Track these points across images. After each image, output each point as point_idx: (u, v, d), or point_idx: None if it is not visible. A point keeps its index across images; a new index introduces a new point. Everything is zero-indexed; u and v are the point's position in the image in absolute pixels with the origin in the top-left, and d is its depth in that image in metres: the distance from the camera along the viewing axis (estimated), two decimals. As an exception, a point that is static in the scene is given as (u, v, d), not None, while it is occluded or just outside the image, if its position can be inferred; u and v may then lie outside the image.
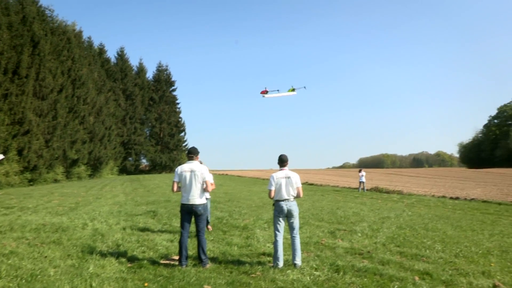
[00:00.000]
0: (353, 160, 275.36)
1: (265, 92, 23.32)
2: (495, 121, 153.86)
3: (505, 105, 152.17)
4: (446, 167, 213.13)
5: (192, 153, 7.42)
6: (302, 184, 41.90)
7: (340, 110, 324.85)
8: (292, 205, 7.20)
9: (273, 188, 7.27)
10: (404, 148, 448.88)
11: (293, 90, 25.12)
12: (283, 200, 7.20)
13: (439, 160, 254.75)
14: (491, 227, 12.75)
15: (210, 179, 7.49)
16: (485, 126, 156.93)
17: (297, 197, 7.30)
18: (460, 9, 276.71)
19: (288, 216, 7.24)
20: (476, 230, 11.97)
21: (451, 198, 25.27)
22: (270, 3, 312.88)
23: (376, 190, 30.79)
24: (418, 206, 19.68)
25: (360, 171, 31.03)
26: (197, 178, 7.17)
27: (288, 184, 7.19)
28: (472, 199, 24.40)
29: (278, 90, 29.10)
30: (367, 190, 30.65)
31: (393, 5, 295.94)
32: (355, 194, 27.20)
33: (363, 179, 30.15)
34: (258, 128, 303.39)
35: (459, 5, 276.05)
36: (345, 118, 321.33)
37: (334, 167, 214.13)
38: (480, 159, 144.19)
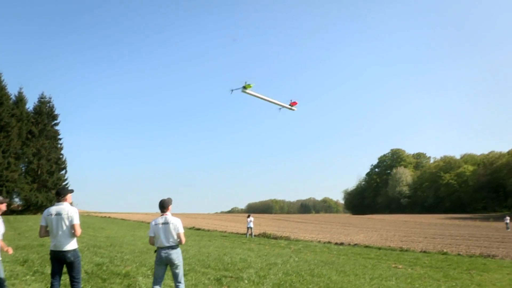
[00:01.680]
0: (242, 205, 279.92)
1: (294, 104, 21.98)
2: (376, 169, 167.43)
3: (384, 155, 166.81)
4: (332, 213, 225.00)
5: (60, 194, 6.73)
6: (189, 229, 41.27)
7: (229, 155, 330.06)
8: (172, 253, 6.92)
9: (152, 235, 7.01)
10: (293, 194, 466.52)
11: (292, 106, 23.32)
12: (162, 248, 6.93)
13: (325, 206, 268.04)
14: (372, 271, 13.46)
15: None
16: (368, 174, 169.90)
17: (179, 244, 7.08)
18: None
19: (169, 264, 6.97)
20: (359, 275, 12.54)
21: (336, 243, 26.40)
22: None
23: (264, 235, 31.14)
24: (304, 252, 20.25)
25: (248, 216, 31.35)
26: (64, 221, 6.52)
27: (167, 231, 6.93)
28: (356, 244, 25.74)
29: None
30: (255, 235, 30.86)
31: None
32: (243, 240, 27.28)
33: (251, 225, 30.39)
34: (145, 169, 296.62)
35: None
36: (234, 163, 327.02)
37: (222, 212, 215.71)
38: (363, 206, 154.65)
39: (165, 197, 7.29)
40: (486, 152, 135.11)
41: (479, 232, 40.77)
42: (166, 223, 6.98)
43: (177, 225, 7.03)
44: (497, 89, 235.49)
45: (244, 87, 18.57)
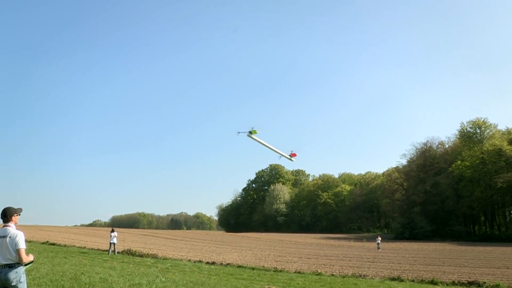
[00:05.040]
0: (105, 218, 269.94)
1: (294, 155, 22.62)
2: (254, 185, 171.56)
3: (262, 170, 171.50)
4: (205, 229, 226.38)
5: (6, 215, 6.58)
6: (42, 243, 38.78)
7: (93, 160, 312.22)
8: (8, 273, 6.35)
9: None
10: (162, 208, 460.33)
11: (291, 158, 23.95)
12: None
13: (198, 222, 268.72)
14: (244, 293, 13.76)
15: None
16: (244, 189, 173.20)
17: (19, 262, 6.52)
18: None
19: (7, 286, 6.42)
20: (230, 296, 12.74)
21: (207, 262, 26.65)
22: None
23: (129, 253, 30.55)
24: (173, 271, 20.08)
25: (112, 230, 30.47)
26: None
27: (3, 246, 6.39)
28: (228, 264, 26.18)
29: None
30: (118, 252, 30.13)
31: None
32: (104, 257, 26.44)
33: (115, 240, 29.65)
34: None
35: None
36: (98, 170, 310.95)
37: (82, 225, 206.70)
38: (238, 223, 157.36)
39: (12, 205, 6.75)
40: (363, 173, 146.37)
41: (353, 252, 43.88)
42: (3, 237, 6.44)
43: (16, 240, 6.46)
44: (373, 113, 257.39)
45: (250, 132, 19.30)
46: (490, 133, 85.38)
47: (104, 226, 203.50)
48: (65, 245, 37.39)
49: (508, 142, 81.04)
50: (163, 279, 16.34)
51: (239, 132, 19.98)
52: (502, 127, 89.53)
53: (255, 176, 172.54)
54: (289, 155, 22.36)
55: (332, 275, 22.13)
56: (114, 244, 29.62)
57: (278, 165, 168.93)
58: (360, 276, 22.18)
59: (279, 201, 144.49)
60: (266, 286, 15.90)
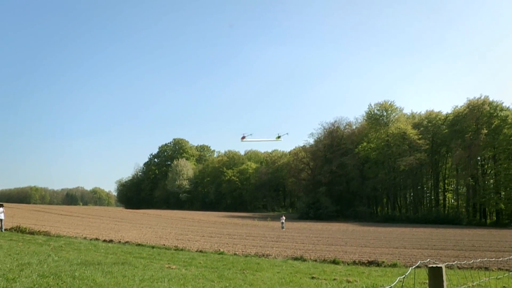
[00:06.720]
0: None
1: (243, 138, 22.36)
2: (156, 160, 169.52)
3: (165, 145, 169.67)
4: (103, 205, 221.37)
5: None
6: None
7: None
8: None
9: None
10: (57, 182, 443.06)
11: (279, 137, 23.67)
12: None
13: (95, 198, 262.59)
14: (143, 272, 13.76)
15: None
16: (146, 164, 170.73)
17: None
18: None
19: None
20: (127, 276, 12.69)
21: (104, 240, 26.30)
22: None
23: (18, 230, 29.29)
24: (67, 249, 19.64)
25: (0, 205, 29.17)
26: None
27: None
28: (127, 242, 25.99)
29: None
30: (6, 229, 28.90)
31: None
32: (-11, 235, 25.18)
33: (2, 216, 28.49)
34: None
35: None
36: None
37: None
38: (138, 199, 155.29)
39: None
40: (269, 151, 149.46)
41: (257, 231, 45.07)
42: None
43: None
44: (282, 91, 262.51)
45: (279, 137, 20.68)
46: (396, 116, 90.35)
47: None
48: None
49: (412, 126, 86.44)
50: (56, 258, 15.96)
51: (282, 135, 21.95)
52: (407, 111, 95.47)
53: (158, 150, 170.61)
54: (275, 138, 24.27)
55: (235, 254, 22.69)
56: (1, 220, 28.36)
57: (182, 139, 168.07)
58: (263, 255, 22.93)
59: (182, 177, 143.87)
60: (166, 266, 16.02)
